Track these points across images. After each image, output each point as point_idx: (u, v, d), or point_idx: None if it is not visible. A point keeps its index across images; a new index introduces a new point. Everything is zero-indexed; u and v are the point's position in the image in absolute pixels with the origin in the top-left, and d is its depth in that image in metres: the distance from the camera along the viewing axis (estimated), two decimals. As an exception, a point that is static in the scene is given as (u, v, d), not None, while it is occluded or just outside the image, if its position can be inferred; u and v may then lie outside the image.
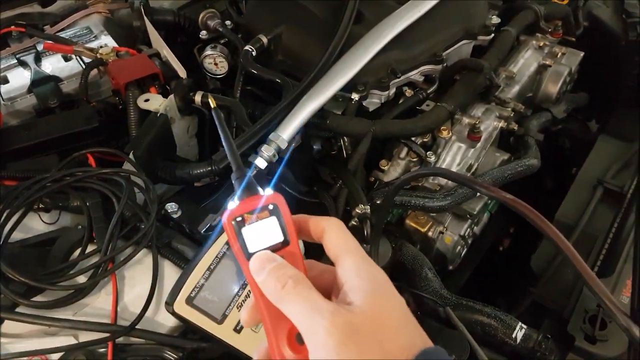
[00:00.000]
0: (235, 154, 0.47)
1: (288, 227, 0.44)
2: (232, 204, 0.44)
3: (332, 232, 0.44)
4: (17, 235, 0.78)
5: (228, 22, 1.11)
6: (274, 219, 0.44)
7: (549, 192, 1.32)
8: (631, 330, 0.43)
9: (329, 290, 0.43)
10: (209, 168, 0.86)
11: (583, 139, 1.32)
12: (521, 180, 1.02)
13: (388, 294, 0.42)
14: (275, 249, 0.44)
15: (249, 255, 0.43)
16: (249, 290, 0.70)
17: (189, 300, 0.67)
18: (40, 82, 0.99)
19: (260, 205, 0.43)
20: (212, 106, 0.49)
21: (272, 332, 0.42)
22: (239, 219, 0.43)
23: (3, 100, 0.98)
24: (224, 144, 0.47)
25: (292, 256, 0.44)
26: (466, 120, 1.01)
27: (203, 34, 1.10)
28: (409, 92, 1.06)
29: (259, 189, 0.45)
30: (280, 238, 0.44)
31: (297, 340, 0.41)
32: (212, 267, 0.69)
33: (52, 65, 1.04)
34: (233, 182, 0.45)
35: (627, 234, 0.93)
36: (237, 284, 0.70)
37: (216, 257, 0.70)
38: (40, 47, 1.06)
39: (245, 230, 0.43)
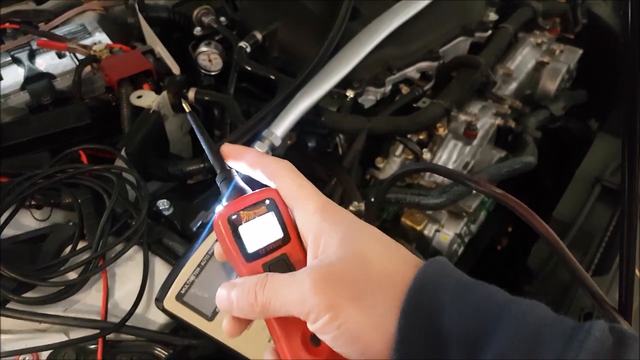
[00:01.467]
0: (217, 156, 0.44)
1: (287, 221, 0.41)
2: (220, 207, 0.41)
3: (284, 177, 0.41)
4: (8, 232, 0.78)
5: (222, 19, 1.11)
6: (271, 214, 0.41)
7: (548, 190, 1.31)
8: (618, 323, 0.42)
9: None
10: (202, 165, 0.85)
11: (582, 137, 1.31)
12: (521, 178, 1.02)
13: (362, 232, 0.39)
14: (275, 247, 0.40)
15: (248, 257, 0.40)
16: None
17: (179, 297, 0.67)
18: (34, 79, 0.99)
19: (257, 200, 0.41)
20: (186, 110, 0.45)
21: (285, 342, 0.40)
22: (234, 216, 0.40)
23: (-3, 97, 0.98)
24: (204, 147, 0.44)
25: (295, 253, 0.41)
26: (462, 117, 1.01)
27: (197, 30, 1.10)
28: (405, 89, 1.05)
29: (248, 188, 0.42)
30: (279, 235, 0.41)
31: (312, 342, 0.39)
32: (202, 264, 0.69)
33: (46, 62, 1.03)
34: (218, 184, 0.43)
35: (625, 232, 0.92)
36: (228, 281, 0.70)
37: (207, 254, 0.70)
38: (34, 44, 1.05)
39: (242, 229, 0.40)
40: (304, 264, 0.40)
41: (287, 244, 0.41)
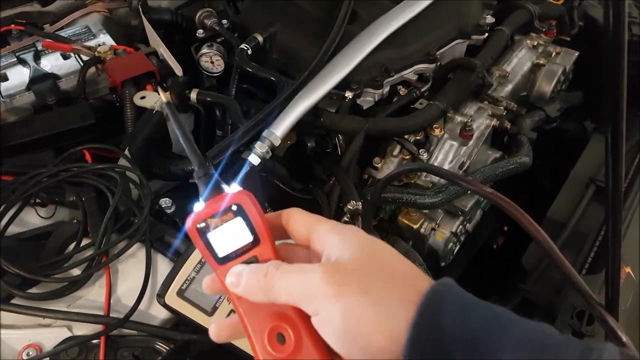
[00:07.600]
0: (196, 151, 0.44)
1: (256, 225, 0.42)
2: (198, 205, 0.43)
3: (297, 214, 0.44)
4: (13, 229, 0.80)
5: (224, 21, 1.13)
6: (239, 219, 0.42)
7: (544, 190, 1.33)
8: (605, 320, 0.44)
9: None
10: (203, 164, 0.87)
11: (577, 138, 1.32)
12: (517, 179, 1.03)
13: (373, 240, 0.41)
14: (245, 250, 0.43)
15: (220, 260, 0.43)
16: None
17: (180, 293, 0.69)
18: (39, 79, 1.01)
19: (222, 208, 0.42)
20: (164, 100, 0.46)
21: (254, 336, 0.42)
22: (202, 224, 0.42)
23: (2, 97, 0.99)
24: (181, 140, 0.45)
25: (266, 254, 0.43)
26: (458, 118, 1.02)
27: (200, 32, 1.12)
28: (402, 91, 1.07)
29: (225, 187, 0.43)
30: (249, 238, 0.43)
31: (277, 340, 0.41)
32: (203, 260, 0.71)
33: (51, 63, 1.05)
34: (196, 181, 0.44)
35: (618, 232, 0.94)
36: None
37: (207, 250, 0.71)
38: (39, 46, 1.07)
39: (211, 236, 0.42)
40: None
41: (257, 245, 0.43)
